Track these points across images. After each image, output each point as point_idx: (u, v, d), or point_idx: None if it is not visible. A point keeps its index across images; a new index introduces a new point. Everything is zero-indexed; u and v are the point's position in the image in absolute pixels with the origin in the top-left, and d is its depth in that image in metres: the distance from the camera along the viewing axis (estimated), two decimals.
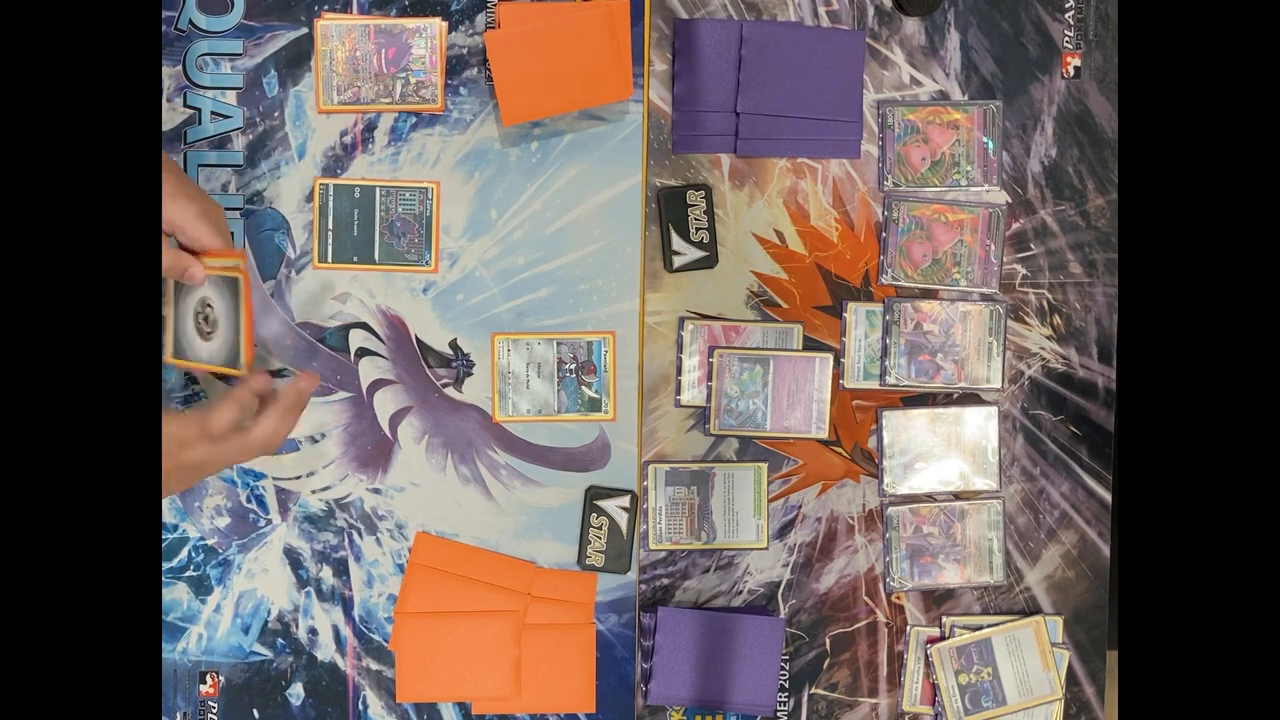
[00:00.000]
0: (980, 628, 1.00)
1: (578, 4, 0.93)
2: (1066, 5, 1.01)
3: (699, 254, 0.98)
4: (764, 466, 0.99)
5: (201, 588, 0.96)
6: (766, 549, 0.99)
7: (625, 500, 0.97)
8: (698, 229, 0.98)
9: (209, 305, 0.85)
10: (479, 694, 0.97)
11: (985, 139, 1.00)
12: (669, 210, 0.97)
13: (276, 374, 0.96)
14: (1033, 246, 1.01)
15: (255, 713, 0.96)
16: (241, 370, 0.84)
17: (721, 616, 0.96)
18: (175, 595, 0.96)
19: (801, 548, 1.00)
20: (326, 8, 0.95)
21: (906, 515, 1.00)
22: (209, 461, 0.83)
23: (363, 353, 0.96)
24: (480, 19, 0.96)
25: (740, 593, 1.00)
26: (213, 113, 0.95)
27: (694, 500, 0.99)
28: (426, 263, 0.96)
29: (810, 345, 0.99)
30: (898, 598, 1.01)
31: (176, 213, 0.82)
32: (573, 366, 0.97)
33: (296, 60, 0.95)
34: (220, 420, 0.81)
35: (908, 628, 1.01)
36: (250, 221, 0.95)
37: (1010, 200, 1.01)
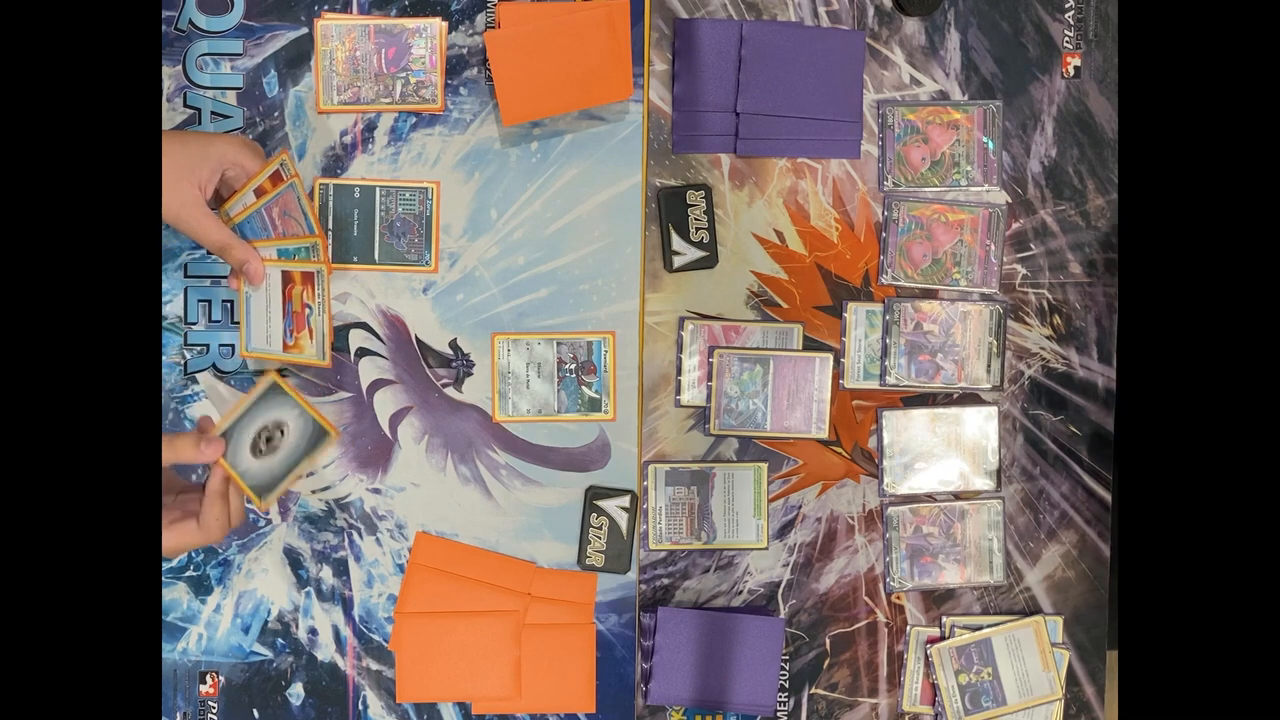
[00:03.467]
0: (980, 628, 1.00)
1: (578, 4, 0.93)
2: (1066, 5, 1.01)
3: (699, 254, 0.98)
4: (764, 466, 0.99)
5: (201, 588, 0.96)
6: (766, 549, 0.99)
7: (625, 500, 0.97)
8: (698, 229, 0.98)
9: (281, 431, 0.86)
10: (479, 694, 0.97)
11: (985, 139, 1.00)
12: (669, 210, 0.97)
13: (278, 373, 0.95)
14: (1033, 246, 1.01)
15: (255, 713, 0.96)
16: (260, 506, 0.86)
17: (721, 616, 0.96)
18: (175, 595, 0.96)
19: (801, 548, 1.00)
20: (326, 8, 0.95)
21: (906, 515, 1.00)
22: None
23: (363, 353, 0.96)
24: (480, 19, 0.96)
25: (740, 593, 1.00)
26: (213, 113, 0.95)
27: (694, 500, 0.99)
28: (426, 263, 0.96)
29: (810, 345, 0.99)
30: (898, 598, 1.01)
31: (224, 147, 0.85)
32: (573, 366, 0.97)
33: (296, 60, 0.95)
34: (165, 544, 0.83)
35: (908, 628, 1.01)
36: None
37: (1010, 200, 1.01)
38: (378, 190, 0.96)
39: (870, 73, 0.99)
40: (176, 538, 0.83)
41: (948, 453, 1.00)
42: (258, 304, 0.90)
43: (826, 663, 1.00)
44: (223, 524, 0.84)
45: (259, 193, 0.87)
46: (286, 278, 0.88)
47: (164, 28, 0.94)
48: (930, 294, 1.00)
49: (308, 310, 0.89)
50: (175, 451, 0.83)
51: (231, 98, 0.95)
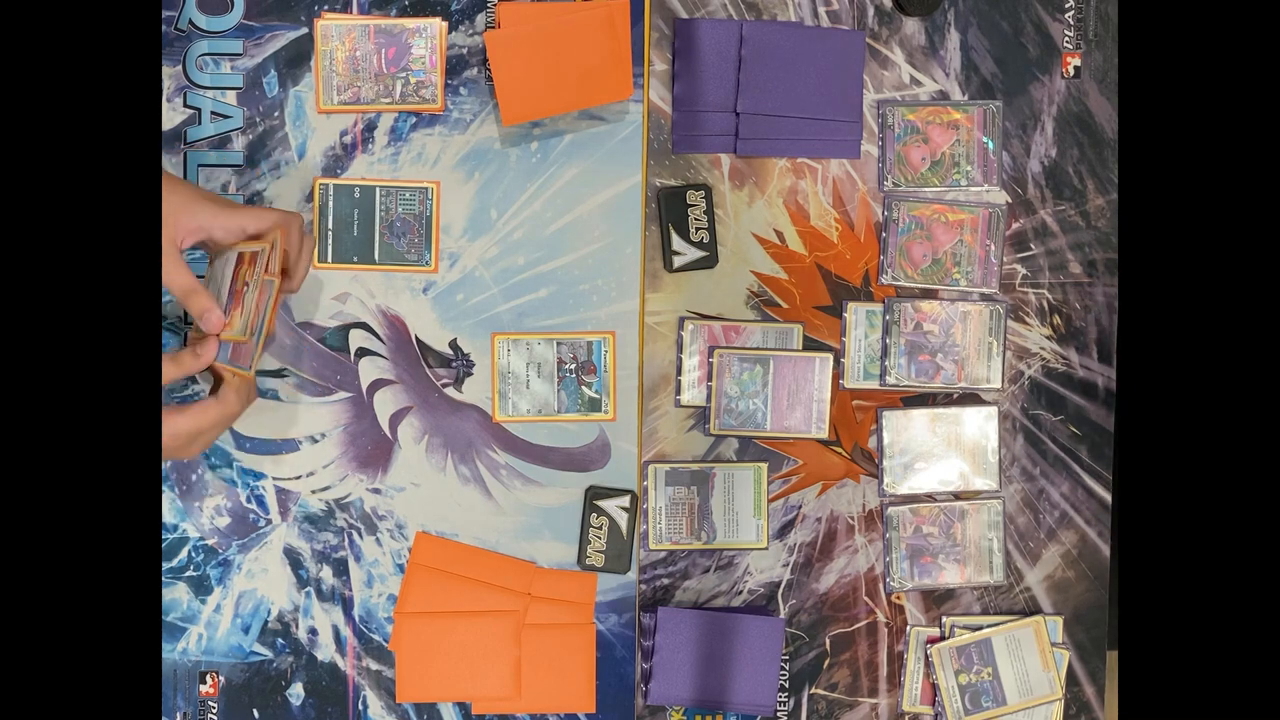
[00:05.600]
0: (980, 628, 1.00)
1: (578, 4, 0.93)
2: (1066, 5, 1.01)
3: (699, 254, 0.98)
4: (764, 466, 0.99)
5: (201, 588, 0.96)
6: (766, 549, 0.99)
7: (625, 500, 0.97)
8: (698, 229, 0.98)
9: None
10: (479, 694, 0.97)
11: (985, 139, 1.00)
12: (669, 210, 0.97)
13: (277, 374, 0.96)
14: (1033, 246, 1.01)
15: (255, 713, 0.96)
16: (249, 374, 0.85)
17: (721, 616, 0.96)
18: (175, 595, 0.96)
19: (801, 548, 1.00)
20: (326, 8, 0.95)
21: (906, 515, 1.00)
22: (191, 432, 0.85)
23: (363, 353, 0.96)
24: (480, 19, 0.96)
25: (740, 593, 1.00)
26: (213, 113, 0.95)
27: (694, 500, 0.99)
28: (426, 263, 0.96)
29: (810, 345, 0.99)
30: (898, 598, 1.01)
31: (210, 218, 0.84)
32: (573, 366, 0.97)
33: (296, 60, 0.95)
34: (183, 427, 0.84)
35: (908, 628, 1.01)
36: None
37: (1010, 200, 1.01)
38: (378, 190, 0.96)
39: (870, 73, 0.99)
40: (194, 419, 0.84)
41: (948, 453, 1.00)
42: (213, 288, 0.88)
43: (826, 663, 1.00)
44: (242, 395, 0.86)
45: (239, 261, 0.86)
46: (239, 259, 0.86)
47: (164, 28, 0.94)
48: (930, 294, 1.00)
49: (245, 288, 0.86)
50: (179, 368, 0.85)
51: (231, 98, 0.95)
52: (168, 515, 0.95)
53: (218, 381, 0.89)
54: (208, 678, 0.96)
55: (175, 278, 0.84)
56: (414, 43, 0.95)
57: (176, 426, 0.84)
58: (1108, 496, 1.02)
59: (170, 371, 0.85)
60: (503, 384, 0.97)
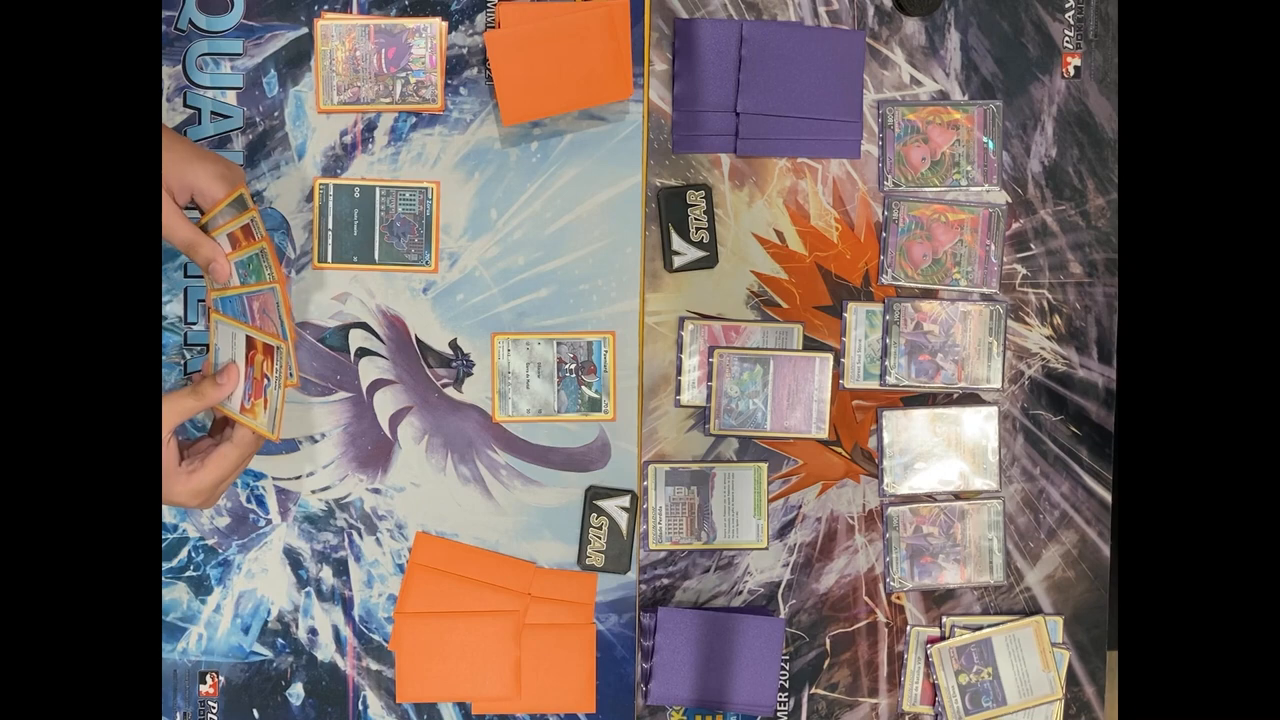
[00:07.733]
0: (980, 628, 1.00)
1: (578, 4, 0.93)
2: (1066, 5, 1.01)
3: (699, 254, 0.98)
4: (764, 466, 0.99)
5: (201, 588, 0.96)
6: (766, 549, 0.99)
7: (625, 500, 0.97)
8: (698, 229, 0.98)
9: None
10: (479, 694, 0.97)
11: (985, 139, 1.00)
12: (669, 210, 0.97)
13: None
14: (1033, 246, 1.01)
15: (255, 713, 0.96)
16: (274, 436, 0.86)
17: (721, 616, 0.96)
18: (175, 595, 0.96)
19: (801, 548, 1.00)
20: (326, 8, 0.95)
21: (906, 515, 1.00)
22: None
23: (363, 353, 0.96)
24: (480, 19, 0.96)
25: (740, 593, 1.00)
26: (213, 113, 0.95)
27: (694, 500, 0.99)
28: (426, 263, 0.96)
29: (810, 345, 0.99)
30: (898, 598, 1.01)
31: (201, 175, 0.84)
32: (573, 366, 0.97)
33: (296, 60, 0.95)
34: (207, 481, 0.84)
35: (908, 628, 1.01)
36: None
37: (1010, 200, 1.01)
38: (378, 190, 0.96)
39: (870, 73, 0.99)
40: (216, 470, 0.84)
41: (948, 453, 1.00)
42: (224, 359, 0.88)
43: (826, 663, 1.00)
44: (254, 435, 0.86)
45: (232, 240, 0.87)
46: (250, 343, 0.86)
47: (164, 28, 0.94)
48: (930, 294, 1.00)
49: (265, 381, 0.86)
50: (200, 400, 0.84)
51: (231, 98, 0.95)
52: (168, 515, 0.95)
53: (221, 422, 0.89)
54: (208, 678, 0.96)
55: (178, 231, 0.85)
56: (414, 43, 0.95)
57: (200, 482, 0.84)
58: (1108, 496, 1.02)
59: (190, 405, 0.84)
60: (503, 384, 0.97)
